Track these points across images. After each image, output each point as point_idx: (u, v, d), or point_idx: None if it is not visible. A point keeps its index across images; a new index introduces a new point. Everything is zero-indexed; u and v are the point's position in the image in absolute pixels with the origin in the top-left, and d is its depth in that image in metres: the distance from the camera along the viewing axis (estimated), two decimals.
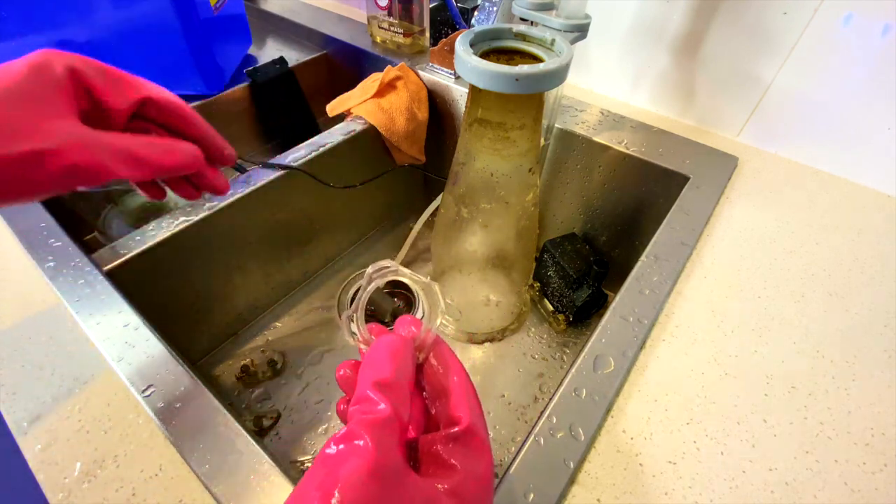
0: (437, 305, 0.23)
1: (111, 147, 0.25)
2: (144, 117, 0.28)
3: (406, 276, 0.24)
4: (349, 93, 0.58)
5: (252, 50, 0.71)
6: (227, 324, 0.53)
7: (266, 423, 0.47)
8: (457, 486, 0.19)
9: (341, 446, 0.17)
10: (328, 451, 0.17)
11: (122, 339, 0.32)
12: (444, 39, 0.59)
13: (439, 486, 0.18)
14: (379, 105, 0.55)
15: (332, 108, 0.57)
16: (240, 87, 0.63)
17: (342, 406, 0.23)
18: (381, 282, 0.23)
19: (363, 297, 0.23)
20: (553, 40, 0.35)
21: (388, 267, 0.23)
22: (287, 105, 0.67)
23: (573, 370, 0.30)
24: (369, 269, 0.23)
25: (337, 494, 0.16)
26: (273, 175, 0.47)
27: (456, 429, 0.20)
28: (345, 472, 0.16)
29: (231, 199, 0.44)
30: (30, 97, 0.23)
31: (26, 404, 0.29)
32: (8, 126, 0.22)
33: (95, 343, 0.32)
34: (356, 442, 0.17)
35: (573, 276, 0.51)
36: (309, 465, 0.21)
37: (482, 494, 0.19)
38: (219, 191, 0.32)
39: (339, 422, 0.47)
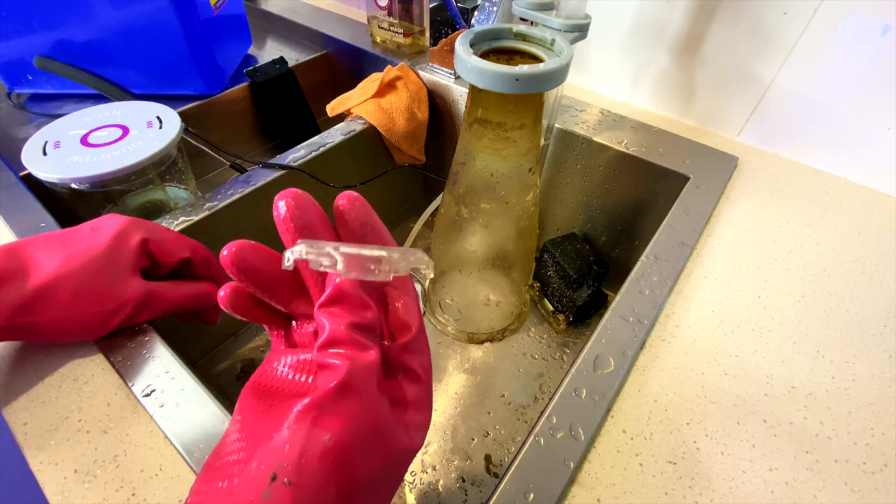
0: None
1: (160, 297, 0.32)
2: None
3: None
4: (349, 93, 0.58)
5: (252, 50, 0.71)
6: (226, 324, 0.53)
7: None
8: (421, 393, 0.20)
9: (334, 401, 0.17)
10: (319, 403, 0.17)
11: (122, 338, 0.32)
12: (444, 39, 0.59)
13: (406, 394, 0.20)
14: (379, 105, 0.55)
15: (332, 108, 0.57)
16: (240, 87, 0.63)
17: (222, 293, 0.20)
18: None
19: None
20: (553, 40, 0.35)
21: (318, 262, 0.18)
22: (287, 105, 0.67)
23: (573, 370, 0.30)
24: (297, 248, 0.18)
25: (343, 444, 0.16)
26: (273, 175, 0.47)
27: (411, 335, 0.21)
28: (347, 428, 0.17)
29: (231, 199, 0.44)
30: (110, 264, 0.30)
31: (26, 404, 0.29)
32: (93, 292, 0.29)
33: (95, 343, 0.32)
34: (352, 395, 0.17)
35: (573, 276, 0.51)
36: None
37: (431, 397, 0.22)
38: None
39: None
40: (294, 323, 0.22)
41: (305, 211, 0.20)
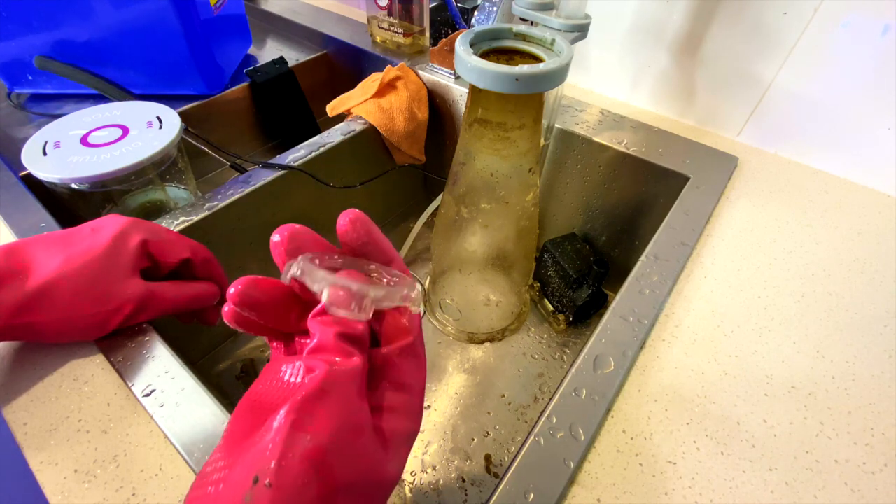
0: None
1: (160, 297, 0.32)
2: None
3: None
4: (349, 93, 0.58)
5: (252, 50, 0.71)
6: (226, 324, 0.53)
7: None
8: (409, 402, 0.20)
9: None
10: (301, 395, 0.17)
11: (122, 338, 0.32)
12: (444, 39, 0.59)
13: (392, 402, 0.20)
14: (379, 105, 0.55)
15: (332, 108, 0.57)
16: (240, 87, 0.63)
17: (226, 309, 0.21)
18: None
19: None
20: (553, 40, 0.35)
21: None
22: (287, 105, 0.67)
23: (573, 370, 0.30)
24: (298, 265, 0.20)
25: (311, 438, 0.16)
26: (273, 175, 0.47)
27: (408, 341, 0.21)
28: (321, 423, 0.17)
29: (231, 199, 0.44)
30: (109, 265, 0.30)
31: (26, 404, 0.29)
32: (93, 293, 0.29)
33: (95, 343, 0.32)
34: (331, 394, 0.17)
35: (573, 276, 0.51)
36: None
37: (421, 408, 0.22)
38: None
39: None
40: (297, 337, 0.23)
41: (300, 240, 0.21)
